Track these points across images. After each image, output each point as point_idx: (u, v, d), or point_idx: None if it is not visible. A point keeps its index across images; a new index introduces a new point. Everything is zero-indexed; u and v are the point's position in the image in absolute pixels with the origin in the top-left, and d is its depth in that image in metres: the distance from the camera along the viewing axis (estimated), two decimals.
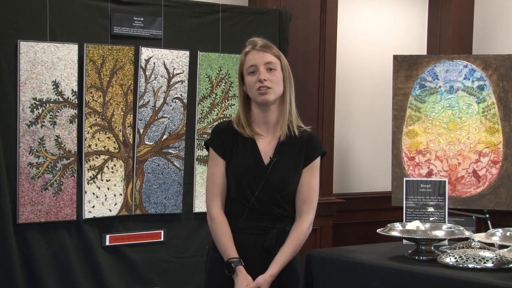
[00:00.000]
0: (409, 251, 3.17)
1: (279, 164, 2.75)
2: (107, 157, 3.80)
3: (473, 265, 2.85)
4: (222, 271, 2.73)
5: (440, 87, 4.56)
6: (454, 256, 2.92)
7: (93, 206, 3.77)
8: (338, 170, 5.07)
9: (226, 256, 2.71)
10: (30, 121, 3.57)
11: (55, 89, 3.62)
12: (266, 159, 2.76)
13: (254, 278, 2.70)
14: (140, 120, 3.88)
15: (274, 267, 2.70)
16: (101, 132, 3.78)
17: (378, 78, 5.24)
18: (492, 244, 3.11)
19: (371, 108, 5.30)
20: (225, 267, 2.70)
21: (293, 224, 2.80)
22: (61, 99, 3.64)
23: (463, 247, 3.13)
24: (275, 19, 4.27)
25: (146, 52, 3.86)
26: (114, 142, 3.82)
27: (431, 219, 3.46)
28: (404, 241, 3.41)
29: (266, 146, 2.78)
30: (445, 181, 3.56)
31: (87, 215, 3.74)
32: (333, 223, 4.85)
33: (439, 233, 3.12)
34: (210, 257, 2.83)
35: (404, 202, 3.56)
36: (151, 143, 3.92)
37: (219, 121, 3.94)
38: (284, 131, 2.78)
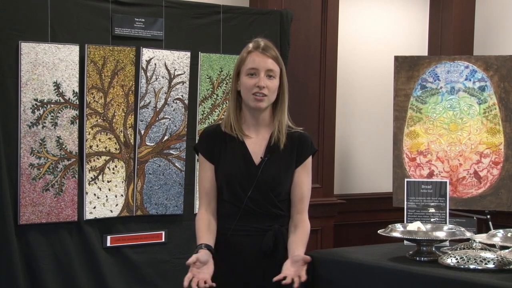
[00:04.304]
0: (410, 252, 3.16)
1: (271, 163, 2.75)
2: (108, 158, 3.80)
3: (474, 266, 2.85)
4: (218, 273, 2.71)
5: (441, 88, 4.56)
6: (455, 257, 2.92)
7: (94, 207, 3.77)
8: (339, 171, 5.07)
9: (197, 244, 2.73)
10: (31, 122, 3.57)
11: (56, 90, 3.62)
12: (256, 160, 2.76)
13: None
14: (141, 121, 3.89)
15: (300, 252, 2.68)
16: (102, 133, 3.78)
17: (379, 79, 5.24)
18: (493, 245, 3.11)
19: (372, 109, 5.30)
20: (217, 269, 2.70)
21: (288, 224, 2.80)
22: (62, 100, 3.65)
23: (464, 248, 3.12)
24: (276, 20, 4.28)
25: (147, 53, 3.87)
26: (115, 143, 3.82)
27: (432, 220, 3.45)
28: (405, 242, 3.41)
29: (256, 147, 2.78)
30: (446, 182, 3.56)
31: (88, 216, 3.75)
32: (334, 224, 4.85)
33: (440, 234, 3.12)
34: None
35: (405, 203, 3.56)
36: (152, 144, 3.93)
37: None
38: (275, 133, 2.77)
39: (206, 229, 2.77)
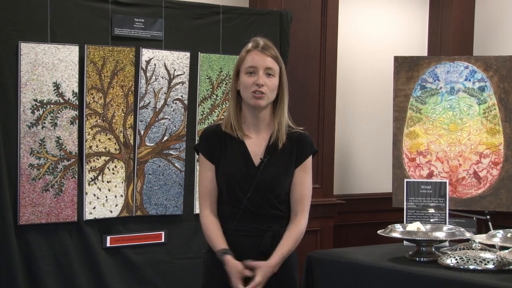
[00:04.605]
0: (410, 253, 3.17)
1: (270, 165, 2.74)
2: (108, 158, 3.80)
3: (474, 267, 2.85)
4: (218, 275, 2.72)
5: (441, 88, 4.56)
6: (455, 257, 2.92)
7: (94, 208, 3.77)
8: (339, 171, 5.07)
9: (215, 249, 2.73)
10: (31, 123, 3.57)
11: (55, 91, 3.62)
12: (256, 161, 2.75)
13: (251, 281, 2.68)
14: (141, 121, 3.88)
15: (276, 258, 2.69)
16: (102, 133, 3.78)
17: (379, 79, 5.24)
18: (493, 246, 3.11)
19: (372, 109, 5.30)
20: (218, 270, 2.71)
21: (288, 224, 2.79)
22: (61, 101, 3.64)
23: (464, 249, 3.13)
24: (276, 21, 4.28)
25: (146, 54, 3.86)
26: (115, 144, 3.82)
27: (431, 220, 3.46)
28: (405, 243, 3.41)
29: (256, 148, 2.77)
30: (445, 182, 3.56)
31: (88, 216, 3.74)
32: (334, 224, 4.84)
33: (440, 235, 3.12)
34: (206, 260, 2.83)
35: (405, 203, 3.56)
36: (151, 144, 3.93)
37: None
38: (274, 133, 2.77)
39: (219, 232, 2.76)
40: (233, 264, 2.67)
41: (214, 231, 2.75)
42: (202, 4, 4.13)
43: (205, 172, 2.81)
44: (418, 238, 3.10)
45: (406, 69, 4.60)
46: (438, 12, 5.46)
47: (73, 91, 3.67)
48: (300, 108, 4.48)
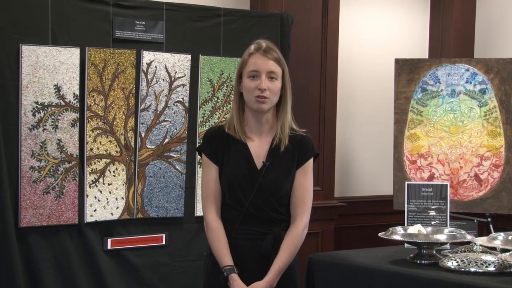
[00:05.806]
0: (411, 255, 3.16)
1: (272, 168, 2.74)
2: (108, 160, 3.80)
3: (475, 269, 2.85)
4: (218, 279, 2.72)
5: (442, 90, 4.56)
6: (456, 260, 2.92)
7: (95, 210, 3.77)
8: (339, 174, 5.07)
9: (221, 264, 2.71)
10: (32, 125, 3.57)
11: (56, 93, 3.63)
12: (258, 164, 2.75)
13: (250, 283, 2.69)
14: (142, 123, 3.89)
15: (271, 274, 2.69)
16: (103, 135, 3.78)
17: (379, 82, 5.24)
18: (494, 248, 3.11)
19: (372, 111, 5.30)
20: (219, 275, 2.71)
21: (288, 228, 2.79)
22: (62, 103, 3.65)
23: (465, 251, 3.12)
24: (276, 23, 4.28)
25: (147, 56, 3.87)
26: (116, 146, 3.82)
27: (432, 222, 3.45)
28: (406, 245, 3.40)
29: (258, 150, 2.77)
30: (446, 184, 3.56)
31: (88, 218, 3.75)
32: (334, 227, 4.84)
33: (441, 237, 3.12)
34: (207, 262, 2.82)
35: (406, 205, 3.56)
36: (152, 147, 3.93)
37: None
38: (277, 135, 2.77)
39: (225, 242, 2.74)
40: (238, 284, 2.67)
41: (220, 241, 2.73)
42: (203, 6, 4.14)
43: (209, 173, 2.79)
44: (419, 241, 3.10)
45: (407, 71, 4.60)
46: (439, 14, 5.46)
47: (74, 93, 3.67)
48: (301, 110, 4.48)
